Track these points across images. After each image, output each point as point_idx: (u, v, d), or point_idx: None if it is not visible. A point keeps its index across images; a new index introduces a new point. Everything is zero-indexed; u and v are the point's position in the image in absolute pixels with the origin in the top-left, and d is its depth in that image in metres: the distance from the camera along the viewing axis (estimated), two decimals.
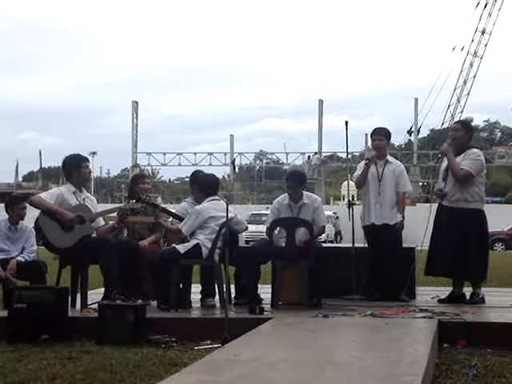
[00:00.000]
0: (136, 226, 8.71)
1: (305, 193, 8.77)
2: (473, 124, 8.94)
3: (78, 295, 8.15)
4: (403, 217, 8.86)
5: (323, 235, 23.82)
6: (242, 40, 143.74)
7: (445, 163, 8.68)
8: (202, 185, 8.50)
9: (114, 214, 8.45)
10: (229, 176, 52.60)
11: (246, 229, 8.83)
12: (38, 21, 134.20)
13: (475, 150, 8.58)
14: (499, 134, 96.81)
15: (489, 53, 57.53)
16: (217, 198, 8.38)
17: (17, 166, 65.51)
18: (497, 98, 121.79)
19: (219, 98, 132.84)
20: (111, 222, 8.36)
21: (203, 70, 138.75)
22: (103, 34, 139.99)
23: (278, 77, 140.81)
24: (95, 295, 8.15)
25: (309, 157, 55.05)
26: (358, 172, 8.98)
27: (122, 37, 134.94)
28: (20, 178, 70.53)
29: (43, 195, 8.28)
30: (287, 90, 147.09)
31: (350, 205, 9.37)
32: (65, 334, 7.02)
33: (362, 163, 9.13)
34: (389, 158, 9.02)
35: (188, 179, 10.61)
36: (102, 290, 8.01)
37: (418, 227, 8.77)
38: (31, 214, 8.35)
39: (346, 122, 9.49)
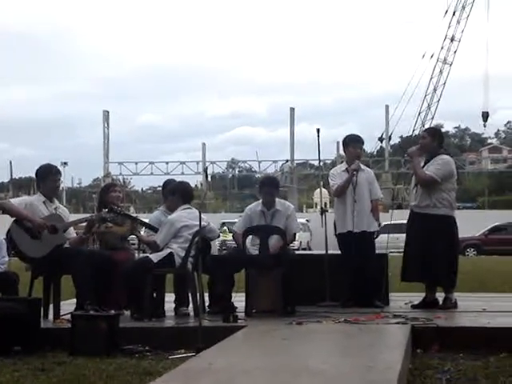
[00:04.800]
0: (108, 236, 8.66)
1: (278, 200, 8.77)
2: (443, 130, 8.98)
3: (51, 306, 8.09)
4: (379, 224, 8.92)
5: (296, 243, 24.03)
6: (213, 49, 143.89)
7: None
8: (185, 192, 8.49)
9: (84, 224, 8.41)
10: (201, 185, 52.58)
11: (219, 236, 8.83)
12: (6, 30, 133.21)
13: (443, 156, 8.61)
14: (469, 140, 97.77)
15: (458, 60, 57.85)
16: (189, 206, 8.37)
17: None
18: (467, 105, 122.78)
19: (191, 107, 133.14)
20: (80, 232, 8.32)
21: (175, 79, 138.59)
22: (74, 43, 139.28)
23: (250, 85, 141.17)
24: (68, 306, 8.09)
25: (282, 165, 55.23)
26: (333, 181, 8.96)
27: (92, 46, 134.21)
28: None
29: (13, 201, 8.23)
30: (259, 99, 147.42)
31: (323, 212, 9.40)
32: (37, 345, 6.96)
33: (335, 171, 9.15)
34: (361, 165, 9.05)
35: (160, 188, 10.58)
36: (75, 300, 7.95)
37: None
38: (2, 224, 8.27)
39: (318, 130, 9.50)
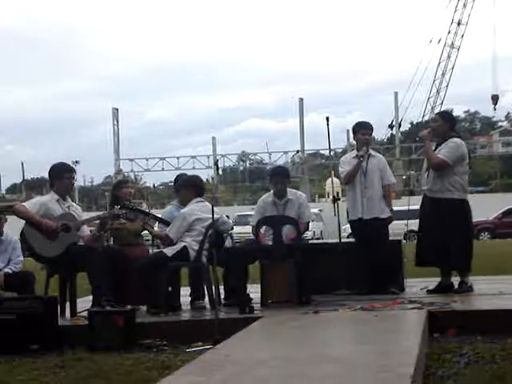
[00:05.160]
0: (122, 232, 8.69)
1: (289, 189, 8.78)
2: (453, 115, 8.98)
3: (67, 304, 8.13)
4: (391, 210, 8.90)
5: (309, 232, 23.98)
6: (220, 42, 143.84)
7: None
8: (197, 186, 8.50)
9: (98, 222, 8.44)
10: (212, 179, 52.63)
11: (232, 228, 8.84)
12: (16, 33, 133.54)
13: (455, 139, 8.58)
14: (479, 124, 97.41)
15: (466, 44, 57.72)
16: (202, 199, 8.38)
17: None
18: (476, 89, 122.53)
19: (199, 101, 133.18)
20: (93, 229, 8.34)
21: (182, 74, 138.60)
22: (80, 42, 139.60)
23: (258, 77, 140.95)
24: (84, 303, 8.13)
25: (293, 156, 55.16)
26: (342, 168, 8.96)
27: (98, 45, 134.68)
28: (3, 191, 70.28)
29: (26, 204, 8.26)
30: (267, 90, 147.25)
31: (335, 200, 9.39)
32: (55, 343, 6.99)
33: (345, 158, 9.15)
34: (371, 151, 9.03)
35: (172, 184, 10.61)
36: (91, 297, 7.99)
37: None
38: (17, 226, 8.30)
39: (327, 118, 9.48)
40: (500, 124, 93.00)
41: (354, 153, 9.01)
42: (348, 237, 11.02)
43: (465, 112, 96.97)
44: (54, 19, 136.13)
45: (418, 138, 8.71)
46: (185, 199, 8.49)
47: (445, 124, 8.62)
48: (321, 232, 37.02)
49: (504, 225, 36.00)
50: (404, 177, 53.33)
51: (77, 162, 61.76)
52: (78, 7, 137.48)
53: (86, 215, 8.66)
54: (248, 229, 9.07)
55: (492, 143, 73.48)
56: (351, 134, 9.56)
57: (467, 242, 8.53)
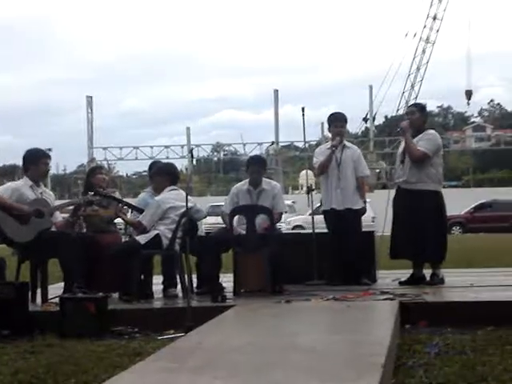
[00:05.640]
0: (95, 219, 8.65)
1: (264, 179, 8.78)
2: (427, 109, 9.04)
3: (39, 290, 8.08)
4: (365, 201, 8.94)
5: (283, 224, 24.02)
6: (197, 32, 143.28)
7: (401, 147, 8.77)
8: (171, 174, 8.46)
9: (71, 208, 8.40)
10: (186, 169, 52.49)
11: (205, 217, 8.82)
12: None
13: (431, 131, 8.68)
14: (453, 119, 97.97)
15: (441, 39, 57.88)
16: (176, 187, 8.36)
17: None
18: (450, 84, 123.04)
19: (176, 91, 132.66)
20: (66, 215, 8.30)
21: (159, 63, 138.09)
22: (55, 29, 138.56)
23: (234, 69, 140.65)
24: (55, 290, 8.08)
25: (267, 147, 55.16)
26: (317, 159, 8.98)
27: (74, 32, 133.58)
28: None
29: None
30: (244, 82, 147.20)
31: (309, 191, 9.42)
32: (26, 328, 6.94)
33: (319, 149, 9.17)
34: (346, 142, 9.06)
35: (145, 173, 10.57)
36: (62, 284, 7.95)
37: (376, 213, 8.82)
38: None
39: (303, 109, 9.50)
40: (473, 120, 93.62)
41: (329, 144, 9.03)
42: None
43: (438, 107, 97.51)
44: (28, 5, 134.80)
45: (398, 130, 8.72)
46: (159, 187, 8.45)
47: (421, 116, 8.70)
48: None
49: (475, 219, 36.29)
50: (377, 170, 53.55)
51: (49, 149, 61.11)
52: None
53: (58, 203, 8.60)
54: (220, 219, 9.05)
55: (465, 138, 73.98)
56: (326, 127, 9.59)
57: (442, 233, 8.61)
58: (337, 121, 9.00)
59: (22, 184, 8.18)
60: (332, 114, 9.10)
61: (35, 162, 8.20)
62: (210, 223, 28.19)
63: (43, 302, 7.87)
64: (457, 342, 6.01)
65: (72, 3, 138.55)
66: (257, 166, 8.75)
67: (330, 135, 9.35)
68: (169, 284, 8.45)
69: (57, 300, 7.35)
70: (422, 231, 8.39)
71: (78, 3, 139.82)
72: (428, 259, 8.62)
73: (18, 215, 7.86)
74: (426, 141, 8.52)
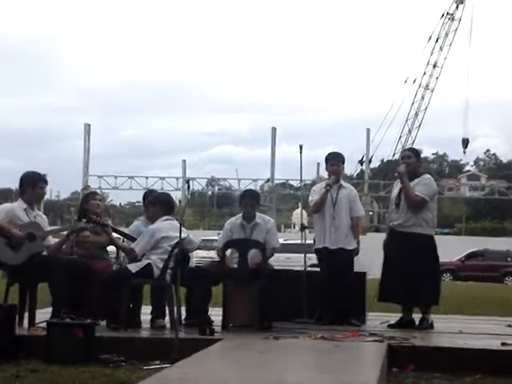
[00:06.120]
0: (86, 245, 8.62)
1: (258, 213, 8.79)
2: (422, 155, 9.13)
3: (26, 314, 8.02)
4: (358, 242, 8.94)
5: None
6: (198, 66, 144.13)
7: (395, 190, 8.80)
8: (165, 203, 8.45)
9: (65, 233, 8.39)
10: (180, 202, 52.49)
11: (197, 249, 8.81)
12: None
13: (427, 176, 8.74)
14: (447, 167, 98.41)
15: (440, 86, 58.10)
16: (171, 217, 8.35)
17: None
18: (446, 132, 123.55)
19: (174, 123, 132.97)
20: (57, 240, 8.28)
21: (159, 94, 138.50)
22: (56, 54, 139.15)
23: (233, 104, 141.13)
24: (43, 315, 8.02)
25: (263, 184, 55.25)
26: (312, 197, 9.00)
27: (75, 58, 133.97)
28: None
29: None
30: (241, 118, 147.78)
31: (303, 229, 9.41)
32: (12, 352, 6.89)
33: (316, 187, 9.19)
34: (342, 182, 9.08)
35: (139, 203, 10.57)
36: (50, 309, 7.91)
37: (367, 256, 8.81)
38: None
39: (301, 146, 9.51)
40: (468, 168, 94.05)
41: (325, 183, 9.05)
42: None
43: (433, 154, 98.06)
44: (29, 30, 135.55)
45: (396, 174, 8.75)
46: (153, 216, 8.44)
47: (417, 161, 8.76)
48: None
49: (466, 267, 36.33)
50: (371, 213, 53.60)
51: (44, 175, 61.14)
52: (56, 19, 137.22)
53: (50, 228, 8.58)
54: (212, 254, 9.05)
55: (459, 186, 74.20)
56: (321, 167, 9.63)
57: (436, 277, 8.64)
58: (333, 159, 9.04)
59: (17, 206, 8.17)
60: (330, 153, 9.14)
61: (32, 185, 8.21)
62: (201, 256, 28.20)
63: (30, 326, 7.82)
64: None
65: (75, 30, 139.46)
66: (250, 200, 8.77)
67: (325, 175, 9.38)
68: (157, 314, 8.39)
69: (44, 324, 7.30)
70: (416, 275, 8.39)
71: (80, 31, 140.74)
72: (421, 303, 8.60)
73: (9, 237, 7.83)
74: (423, 186, 8.56)
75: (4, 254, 7.88)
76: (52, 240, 8.31)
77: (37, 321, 7.87)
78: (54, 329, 6.95)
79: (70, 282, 7.75)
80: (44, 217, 8.56)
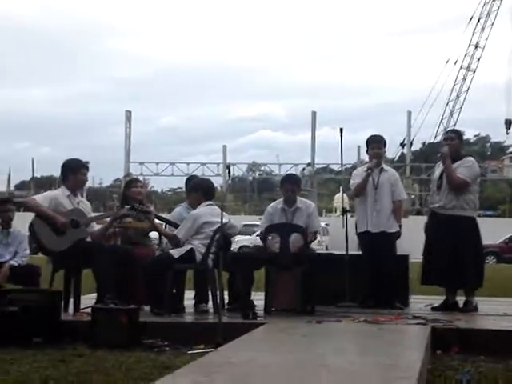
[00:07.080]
0: (129, 231, 8.69)
1: (299, 198, 8.79)
2: (464, 137, 9.04)
3: (71, 300, 8.12)
4: (400, 225, 8.89)
5: (316, 243, 23.88)
6: (236, 53, 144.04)
7: (437, 172, 8.72)
8: (206, 189, 8.49)
9: (108, 220, 8.46)
10: (221, 187, 52.61)
11: (239, 233, 8.83)
12: (33, 31, 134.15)
13: (470, 158, 8.65)
14: (490, 149, 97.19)
15: (482, 67, 57.43)
16: (211, 203, 8.38)
17: (9, 175, 65.41)
18: (488, 113, 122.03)
19: (213, 110, 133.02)
20: (107, 220, 8.37)
21: (198, 81, 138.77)
22: (98, 44, 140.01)
23: (272, 89, 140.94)
24: (88, 300, 8.11)
25: (303, 169, 55.15)
26: (353, 180, 8.98)
27: (117, 46, 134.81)
28: (12, 187, 70.38)
29: (37, 197, 8.27)
30: (281, 103, 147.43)
31: (344, 212, 9.39)
32: (57, 337, 6.99)
33: (357, 171, 9.15)
34: (384, 166, 9.04)
35: (181, 190, 10.62)
36: (95, 295, 7.98)
37: (409, 239, 8.75)
38: (25, 219, 8.32)
39: (341, 129, 9.49)
40: (511, 150, 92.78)
41: (367, 166, 9.01)
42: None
43: (475, 136, 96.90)
44: (72, 16, 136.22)
45: (439, 155, 8.64)
46: (194, 202, 8.48)
47: (460, 143, 8.67)
48: (326, 246, 36.98)
49: (510, 249, 35.94)
50: (412, 196, 53.23)
51: (87, 162, 61.66)
52: (98, 7, 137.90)
53: (94, 215, 8.67)
54: (252, 239, 9.07)
55: (503, 168, 73.32)
56: (362, 151, 9.59)
57: (480, 259, 8.58)
58: (374, 143, 8.99)
59: (60, 193, 8.26)
60: (370, 136, 9.09)
61: (74, 171, 8.28)
62: (242, 241, 28.17)
63: (75, 312, 7.92)
64: (489, 371, 5.91)
65: (117, 18, 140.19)
66: (291, 184, 8.76)
67: (366, 159, 9.33)
68: (200, 299, 8.45)
69: (89, 310, 7.39)
70: (460, 257, 8.32)
71: (122, 18, 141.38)
72: (465, 286, 8.53)
73: (54, 224, 7.93)
74: (466, 168, 8.48)
75: (49, 241, 7.98)
76: (96, 226, 8.39)
77: (82, 306, 7.97)
78: (98, 314, 7.02)
79: (114, 268, 7.82)
80: (87, 203, 8.65)
